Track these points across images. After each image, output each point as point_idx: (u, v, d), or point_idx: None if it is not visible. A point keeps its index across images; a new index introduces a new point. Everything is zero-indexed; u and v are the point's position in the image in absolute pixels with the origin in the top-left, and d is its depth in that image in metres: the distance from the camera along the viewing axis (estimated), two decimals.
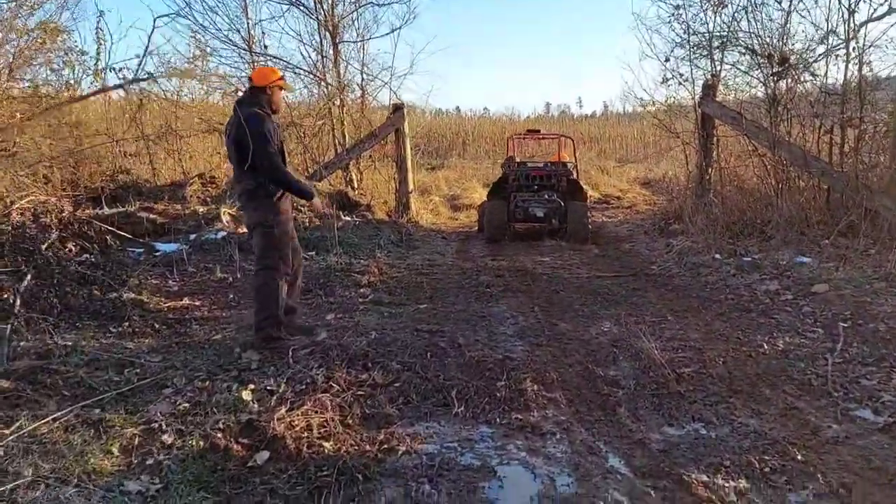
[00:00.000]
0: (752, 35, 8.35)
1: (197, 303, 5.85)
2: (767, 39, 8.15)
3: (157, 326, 5.16)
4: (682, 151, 11.55)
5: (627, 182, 18.98)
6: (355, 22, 10.98)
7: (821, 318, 4.86)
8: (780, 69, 7.82)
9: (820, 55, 7.79)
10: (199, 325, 5.23)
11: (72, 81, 10.68)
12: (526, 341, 4.69)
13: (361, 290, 6.32)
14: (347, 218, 9.12)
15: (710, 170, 9.07)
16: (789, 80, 7.99)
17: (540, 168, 10.13)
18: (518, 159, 10.88)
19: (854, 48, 7.39)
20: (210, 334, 4.93)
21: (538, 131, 13.04)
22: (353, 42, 11.10)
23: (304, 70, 10.66)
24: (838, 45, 7.58)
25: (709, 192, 8.80)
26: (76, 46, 10.59)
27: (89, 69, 10.65)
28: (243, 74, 10.66)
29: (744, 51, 8.55)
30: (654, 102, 10.17)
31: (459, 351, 4.43)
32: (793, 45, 8.01)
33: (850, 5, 7.25)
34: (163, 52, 11.15)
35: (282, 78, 4.68)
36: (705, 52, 9.06)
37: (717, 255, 7.02)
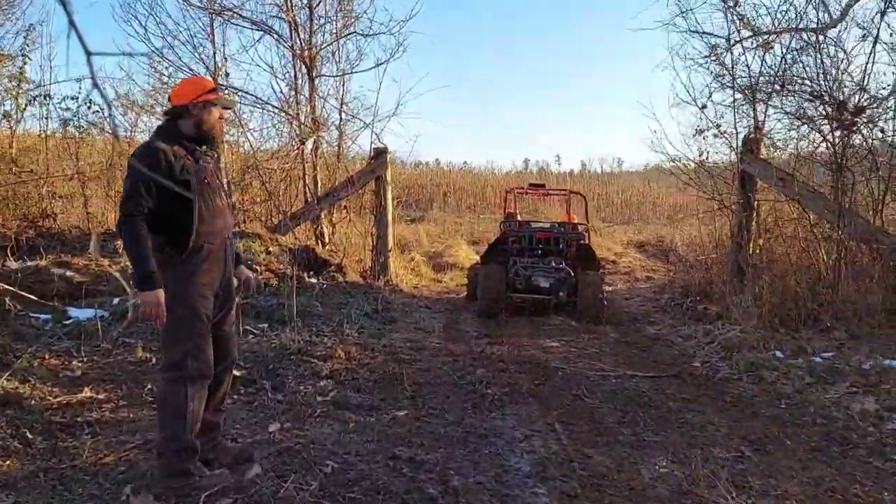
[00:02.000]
0: (811, 79, 7.13)
1: (101, 396, 4.37)
2: (832, 84, 6.94)
3: (29, 437, 3.64)
4: (696, 215, 10.41)
5: (621, 245, 17.74)
6: (335, 54, 9.65)
7: None
8: (850, 120, 6.59)
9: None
10: (92, 434, 3.74)
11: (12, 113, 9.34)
12: (550, 487, 3.20)
13: (322, 384, 4.80)
14: (313, 280, 7.62)
15: (750, 240, 7.74)
16: (860, 136, 6.78)
17: (546, 230, 8.74)
18: (519, 217, 9.61)
19: None
20: (102, 452, 3.47)
21: (543, 185, 11.15)
22: (332, 77, 9.75)
23: (274, 106, 9.28)
24: None
25: (749, 266, 7.44)
26: (20, 74, 9.37)
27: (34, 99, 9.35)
28: None
29: (802, 97, 7.26)
30: (680, 159, 8.77)
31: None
32: (871, 89, 6.78)
33: None
34: (117, 82, 9.66)
35: (214, 90, 3.27)
36: (748, 99, 7.82)
37: (779, 353, 5.60)
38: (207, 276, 3.10)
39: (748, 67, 7.82)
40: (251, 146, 9.19)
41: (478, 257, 14.00)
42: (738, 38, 7.78)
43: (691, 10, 8.03)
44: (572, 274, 8.06)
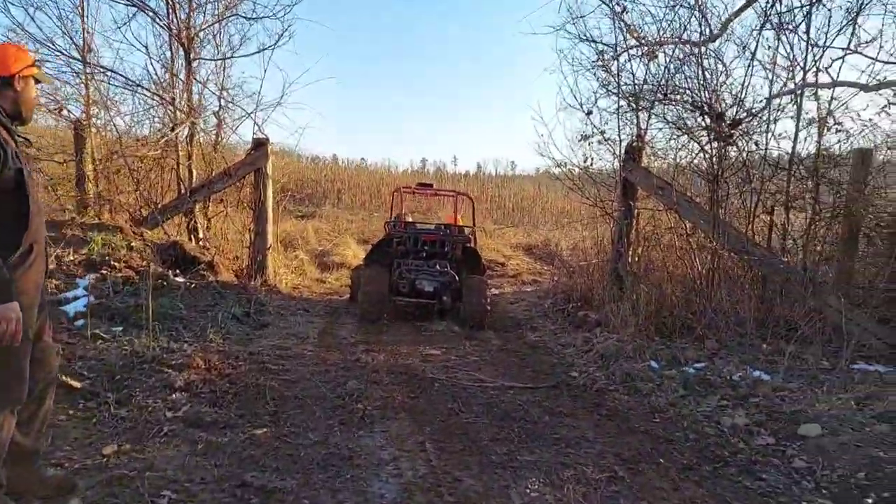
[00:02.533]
0: (692, 90, 7.27)
1: None
2: (711, 95, 7.08)
3: None
4: (580, 221, 10.55)
5: (510, 248, 17.86)
6: (216, 37, 8.99)
7: (824, 481, 3.48)
8: (727, 132, 6.75)
9: (772, 115, 6.82)
10: None
11: None
12: None
13: (174, 397, 4.33)
14: (179, 279, 7.02)
15: (629, 248, 7.83)
16: (736, 147, 6.96)
17: (432, 232, 8.45)
18: (409, 217, 9.28)
19: (815, 108, 6.55)
20: None
21: (430, 185, 10.64)
22: (212, 60, 9.08)
23: (147, 89, 8.51)
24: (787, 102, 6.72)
25: (629, 274, 7.52)
26: None
27: None
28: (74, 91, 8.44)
29: (683, 107, 7.38)
30: (566, 164, 8.72)
31: None
32: (747, 103, 6.95)
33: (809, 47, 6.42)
34: None
35: (35, 65, 2.80)
36: (632, 107, 7.90)
37: (654, 363, 5.60)
38: (33, 283, 2.63)
39: (633, 75, 7.91)
40: (118, 131, 8.34)
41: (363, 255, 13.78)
42: (624, 47, 7.86)
43: (582, 16, 8.06)
44: (457, 278, 7.86)
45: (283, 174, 30.25)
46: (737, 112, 6.86)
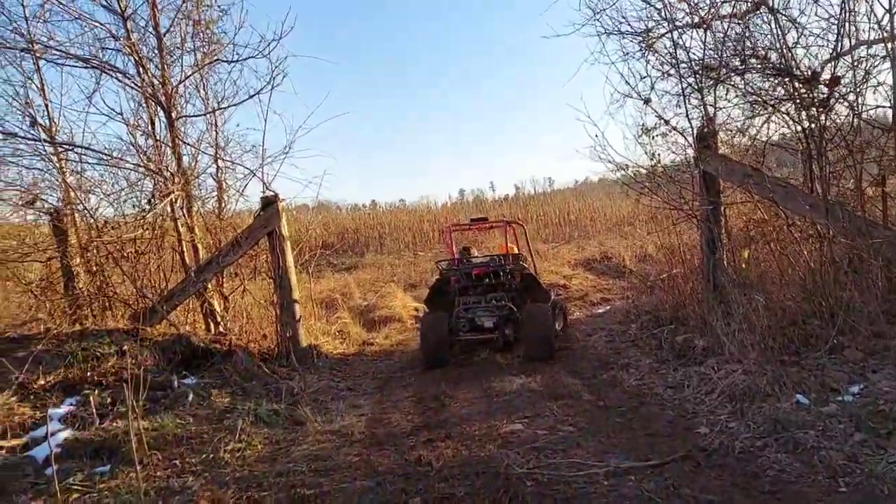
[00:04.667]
0: (766, 51, 5.76)
1: None
2: (787, 55, 5.56)
3: None
4: (655, 227, 9.02)
5: (568, 266, 16.32)
6: (200, 89, 7.87)
7: None
8: (824, 95, 5.25)
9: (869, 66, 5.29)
10: None
11: None
12: None
13: None
14: (189, 381, 5.76)
15: (725, 252, 6.28)
16: (834, 112, 5.44)
17: (483, 264, 7.99)
18: (456, 254, 9.08)
19: None
20: None
21: (485, 219, 9.83)
22: (198, 116, 7.93)
23: (127, 161, 7.36)
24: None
25: (733, 285, 5.98)
26: None
27: None
28: (47, 178, 7.39)
29: (763, 75, 5.88)
30: (627, 166, 7.16)
31: None
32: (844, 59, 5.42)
33: None
34: None
35: None
36: (697, 86, 6.37)
37: (801, 398, 4.11)
38: None
39: (687, 51, 6.46)
40: (92, 216, 7.17)
41: (415, 304, 12.50)
42: (666, 22, 6.44)
43: (603, 10, 6.81)
44: (515, 309, 7.54)
45: (322, 227, 29.75)
46: (835, 68, 5.35)
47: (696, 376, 5.19)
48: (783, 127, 6.22)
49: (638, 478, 3.59)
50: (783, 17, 5.72)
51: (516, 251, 8.90)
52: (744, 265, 6.26)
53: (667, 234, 8.30)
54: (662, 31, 6.69)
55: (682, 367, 5.62)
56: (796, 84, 5.55)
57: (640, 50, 6.79)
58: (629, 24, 6.78)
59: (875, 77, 5.42)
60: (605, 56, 7.13)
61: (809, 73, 5.41)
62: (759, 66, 5.95)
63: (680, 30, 6.41)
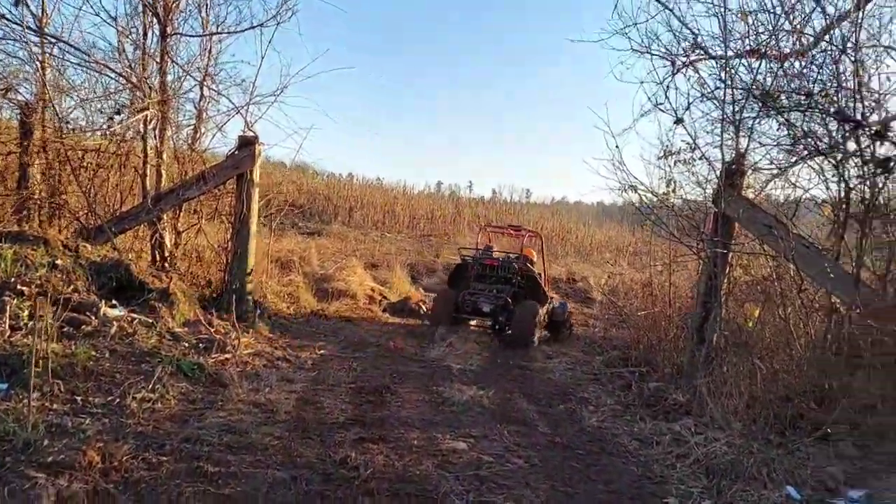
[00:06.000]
0: (828, 90, 5.34)
1: None
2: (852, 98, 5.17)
3: None
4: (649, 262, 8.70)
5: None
6: (202, 9, 7.28)
7: None
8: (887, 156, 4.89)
9: None
10: None
11: None
12: None
13: None
14: (116, 312, 5.25)
15: (725, 303, 5.93)
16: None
17: (494, 259, 9.54)
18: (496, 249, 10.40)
19: None
20: None
21: (519, 227, 11.66)
22: (194, 37, 7.34)
23: (112, 70, 6.78)
24: None
25: (728, 342, 5.66)
26: None
27: None
28: (27, 69, 6.74)
29: (819, 115, 5.45)
30: (636, 188, 6.71)
31: None
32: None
33: None
34: None
35: None
36: (734, 118, 5.92)
37: (792, 490, 3.74)
38: None
39: (732, 77, 6.00)
40: (59, 118, 6.57)
41: (373, 285, 12.13)
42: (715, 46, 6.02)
43: (636, 24, 6.27)
44: (510, 302, 8.73)
45: (295, 187, 29.00)
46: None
47: (668, 434, 4.76)
48: (821, 182, 5.79)
49: None
50: (851, 57, 5.30)
51: (534, 258, 10.07)
52: (749, 324, 5.91)
53: (655, 270, 7.99)
54: (694, 57, 6.30)
55: (651, 420, 5.19)
56: (858, 133, 5.12)
57: (671, 73, 6.34)
58: (660, 44, 6.33)
59: None
60: (638, 66, 6.71)
61: (879, 125, 5.01)
62: (816, 105, 5.48)
63: (721, 59, 5.99)
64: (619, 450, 4.60)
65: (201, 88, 7.31)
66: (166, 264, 6.95)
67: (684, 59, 6.22)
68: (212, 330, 5.83)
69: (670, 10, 6.15)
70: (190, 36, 7.24)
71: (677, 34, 6.22)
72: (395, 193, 34.10)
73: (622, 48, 6.41)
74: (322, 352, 6.63)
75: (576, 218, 37.91)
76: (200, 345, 5.44)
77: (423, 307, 11.69)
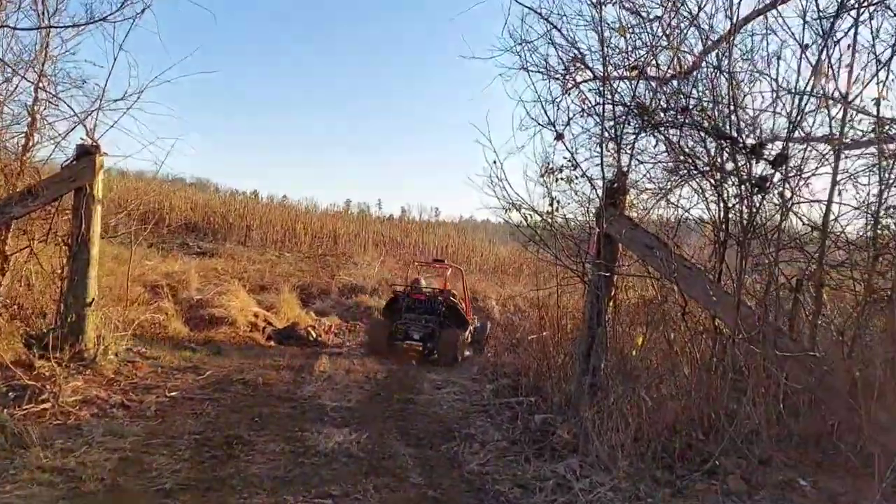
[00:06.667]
0: (706, 109, 5.08)
1: None
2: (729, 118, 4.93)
3: None
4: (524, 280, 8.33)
5: None
6: (38, 1, 6.29)
7: None
8: (762, 176, 4.64)
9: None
10: None
11: None
12: None
13: None
14: None
15: (610, 328, 5.54)
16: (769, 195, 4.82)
17: (420, 292, 10.83)
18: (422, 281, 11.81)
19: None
20: None
21: (442, 261, 14.33)
22: (25, 30, 6.31)
23: None
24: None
25: (615, 371, 5.27)
26: None
27: None
28: None
29: (698, 132, 5.17)
30: (521, 207, 6.31)
31: None
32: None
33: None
34: None
35: None
36: (613, 135, 5.60)
37: None
38: None
39: (612, 93, 5.71)
40: None
41: (257, 310, 11.33)
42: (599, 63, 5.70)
43: (528, 41, 5.93)
44: (436, 329, 9.97)
45: (189, 205, 27.45)
46: (786, 147, 4.76)
47: (552, 478, 4.25)
48: (702, 202, 5.57)
49: None
50: (726, 76, 5.09)
51: (450, 289, 11.37)
52: (634, 352, 5.56)
53: (545, 291, 7.62)
54: (581, 77, 6.01)
55: (536, 459, 4.67)
56: (735, 151, 4.86)
57: (562, 92, 6.03)
58: (549, 66, 6.02)
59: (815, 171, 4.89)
60: (519, 79, 6.32)
61: (756, 142, 4.75)
62: (693, 121, 5.23)
63: (601, 80, 5.70)
64: (498, 500, 4.05)
65: (35, 91, 6.33)
66: None
67: (572, 79, 5.91)
68: (31, 374, 4.90)
69: (557, 29, 5.86)
70: (20, 29, 6.24)
71: (564, 51, 5.93)
72: (296, 212, 33.01)
73: (510, 66, 6.10)
74: (173, 393, 5.75)
75: (483, 236, 38.09)
76: (11, 394, 4.53)
77: (314, 333, 11.04)
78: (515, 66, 6.03)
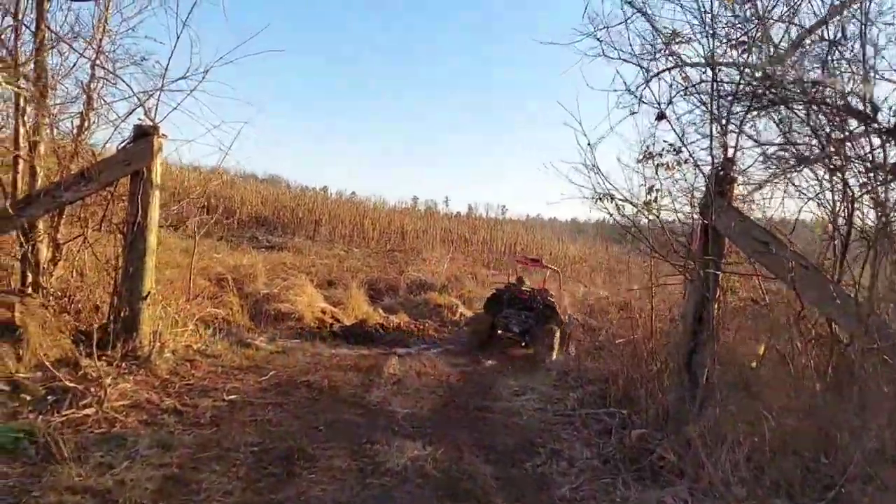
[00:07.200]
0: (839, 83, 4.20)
1: None
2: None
3: None
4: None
5: None
6: None
7: None
8: None
9: None
10: None
11: None
12: None
13: None
14: None
15: (717, 333, 4.71)
16: None
17: (522, 291, 11.16)
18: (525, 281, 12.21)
19: None
20: None
21: (539, 261, 14.19)
22: (83, 1, 5.91)
23: None
24: None
25: (714, 377, 4.46)
26: None
27: None
28: None
29: (832, 112, 4.28)
30: (613, 197, 5.50)
31: None
32: None
33: None
34: None
35: None
36: (720, 115, 4.79)
37: None
38: None
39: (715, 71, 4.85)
40: None
41: (324, 305, 10.86)
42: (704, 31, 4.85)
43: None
44: (534, 325, 10.35)
45: (260, 200, 27.65)
46: None
47: (647, 498, 3.60)
48: (820, 192, 4.70)
49: None
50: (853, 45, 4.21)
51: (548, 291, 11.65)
52: (754, 364, 4.71)
53: (631, 290, 6.79)
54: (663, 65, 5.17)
55: (636, 483, 4.00)
56: (869, 132, 3.98)
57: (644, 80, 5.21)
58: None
59: None
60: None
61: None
62: (814, 98, 4.36)
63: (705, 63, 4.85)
64: None
65: (92, 68, 5.91)
66: (41, 282, 5.54)
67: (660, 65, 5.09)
68: (75, 375, 4.44)
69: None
70: (79, 2, 5.83)
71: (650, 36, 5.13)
72: (364, 207, 32.91)
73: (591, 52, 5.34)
74: (232, 397, 5.21)
75: (550, 234, 37.36)
76: (50, 397, 4.06)
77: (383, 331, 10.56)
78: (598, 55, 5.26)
